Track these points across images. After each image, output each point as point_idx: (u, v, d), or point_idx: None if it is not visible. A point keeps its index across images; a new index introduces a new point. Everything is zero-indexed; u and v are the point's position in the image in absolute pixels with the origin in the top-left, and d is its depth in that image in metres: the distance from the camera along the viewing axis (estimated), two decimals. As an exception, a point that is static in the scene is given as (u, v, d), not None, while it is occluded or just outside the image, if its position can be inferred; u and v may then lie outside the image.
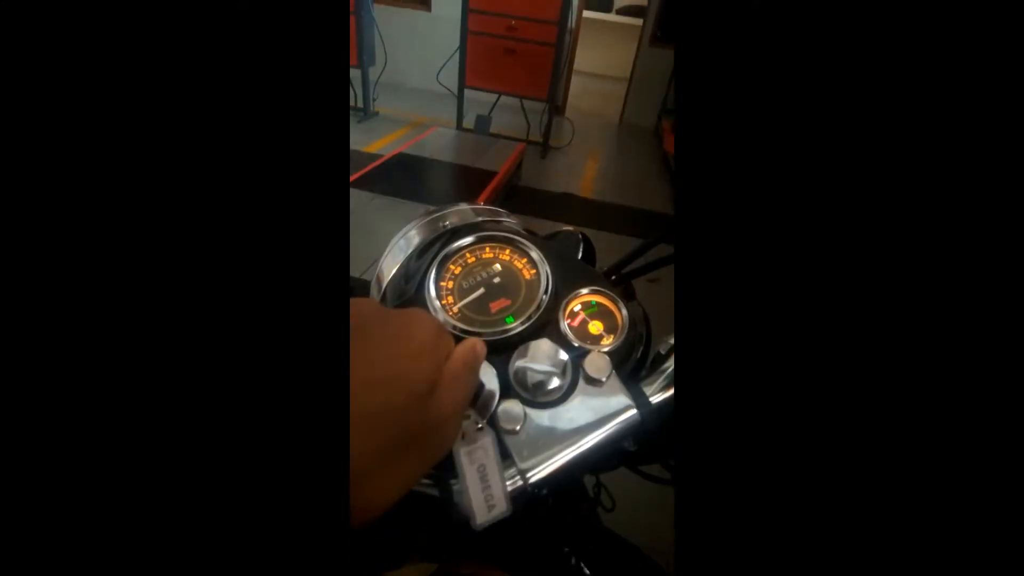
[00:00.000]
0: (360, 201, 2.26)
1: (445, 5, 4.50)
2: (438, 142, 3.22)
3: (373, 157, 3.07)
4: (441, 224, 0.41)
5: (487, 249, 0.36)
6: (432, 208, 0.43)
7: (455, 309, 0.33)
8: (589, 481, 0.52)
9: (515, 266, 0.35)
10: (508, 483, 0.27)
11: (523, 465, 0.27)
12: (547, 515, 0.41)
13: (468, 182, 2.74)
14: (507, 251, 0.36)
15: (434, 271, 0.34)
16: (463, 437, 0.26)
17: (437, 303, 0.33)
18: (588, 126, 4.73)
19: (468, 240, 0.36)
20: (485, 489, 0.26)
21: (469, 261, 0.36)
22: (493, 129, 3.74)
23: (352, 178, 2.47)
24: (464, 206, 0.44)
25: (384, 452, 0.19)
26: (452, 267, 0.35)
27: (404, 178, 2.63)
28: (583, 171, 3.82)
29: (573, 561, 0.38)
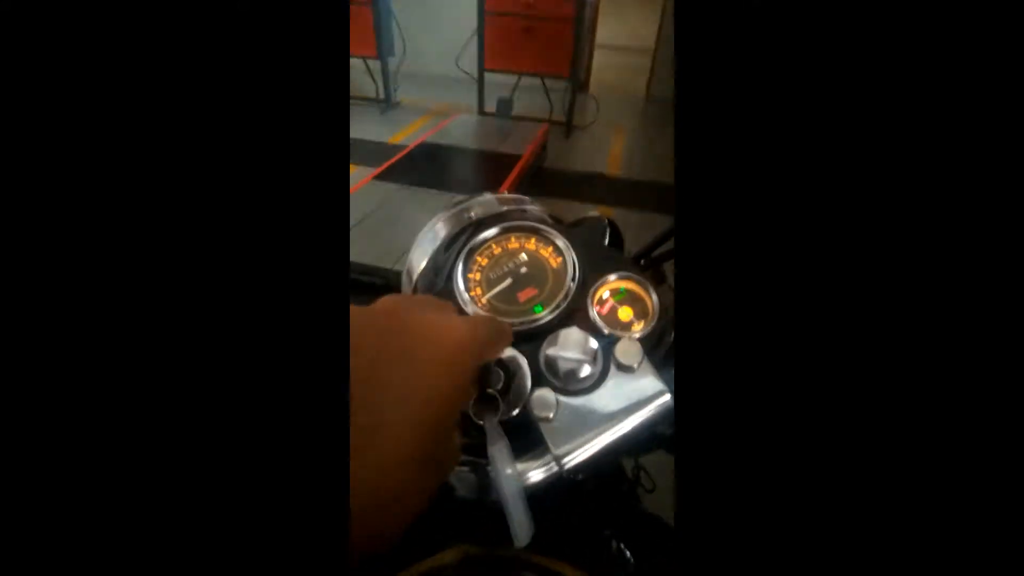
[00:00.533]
0: (387, 193, 2.29)
1: (461, -12, 4.45)
2: (460, 129, 3.21)
3: (397, 148, 3.09)
4: (466, 216, 0.41)
5: (512, 239, 0.36)
6: (457, 199, 0.44)
7: (483, 300, 0.34)
8: (628, 463, 0.52)
9: (541, 255, 0.35)
10: (543, 471, 0.27)
11: (557, 452, 0.28)
12: (587, 499, 0.42)
13: (492, 167, 2.73)
14: (532, 240, 0.36)
15: (461, 263, 0.35)
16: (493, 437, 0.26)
17: (466, 295, 0.34)
18: (613, 101, 4.61)
19: (493, 232, 0.36)
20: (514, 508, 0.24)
21: (495, 252, 0.36)
22: (515, 111, 3.69)
23: (377, 171, 2.50)
24: (488, 196, 0.44)
25: (416, 465, 0.19)
26: (479, 258, 0.35)
27: (429, 167, 2.65)
28: (609, 149, 3.74)
29: (614, 544, 0.38)
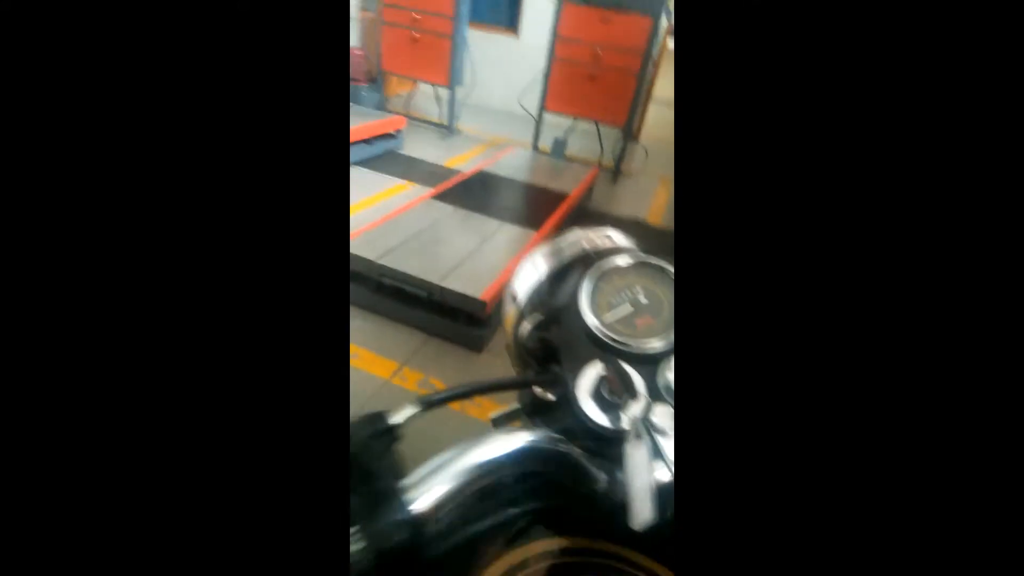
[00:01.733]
0: (441, 213, 2.40)
1: (533, 32, 4.72)
2: (515, 162, 3.34)
3: (452, 172, 3.23)
4: (578, 248, 0.47)
5: (633, 271, 0.41)
6: (555, 238, 0.49)
7: (606, 322, 0.38)
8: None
9: (659, 288, 0.40)
10: (662, 478, 0.31)
11: (673, 464, 0.31)
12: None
13: (540, 202, 2.82)
14: (651, 274, 0.41)
15: (590, 286, 0.39)
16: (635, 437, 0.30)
17: (591, 316, 0.38)
18: (661, 153, 4.71)
19: (624, 262, 0.41)
20: (641, 492, 0.28)
21: (616, 281, 0.41)
22: (566, 152, 3.83)
23: (433, 191, 2.63)
24: (580, 232, 0.49)
25: None
26: (602, 284, 0.40)
27: (482, 194, 2.76)
28: (653, 198, 3.81)
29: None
